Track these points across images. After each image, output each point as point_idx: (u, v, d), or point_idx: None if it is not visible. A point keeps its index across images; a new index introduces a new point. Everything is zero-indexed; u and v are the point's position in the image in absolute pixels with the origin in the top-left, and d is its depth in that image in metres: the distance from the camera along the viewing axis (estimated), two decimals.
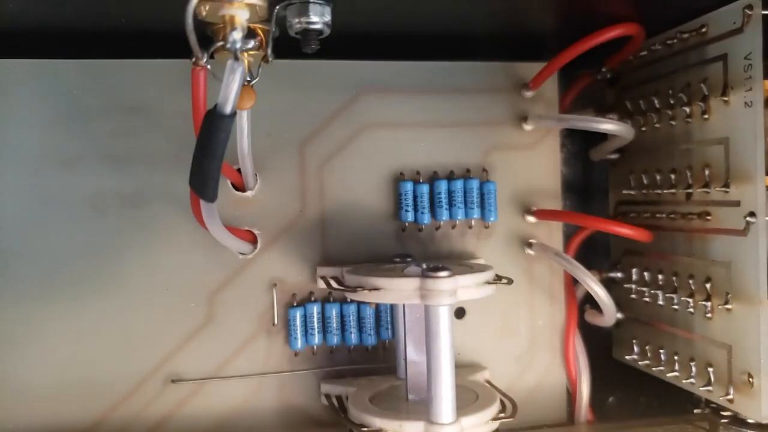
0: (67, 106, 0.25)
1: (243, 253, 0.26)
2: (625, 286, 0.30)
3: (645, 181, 0.28)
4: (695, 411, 0.27)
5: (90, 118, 0.25)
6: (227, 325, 0.27)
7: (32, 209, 0.25)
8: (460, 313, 0.28)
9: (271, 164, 0.27)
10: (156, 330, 0.26)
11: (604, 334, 0.31)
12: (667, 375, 0.27)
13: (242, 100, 0.22)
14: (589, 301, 0.29)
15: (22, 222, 0.25)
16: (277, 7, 0.21)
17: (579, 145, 0.32)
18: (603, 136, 0.29)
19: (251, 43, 0.21)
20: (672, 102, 0.26)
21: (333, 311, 0.27)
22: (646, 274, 0.28)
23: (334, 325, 0.27)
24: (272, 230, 0.27)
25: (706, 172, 0.24)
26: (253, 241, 0.27)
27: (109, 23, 0.24)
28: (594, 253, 0.31)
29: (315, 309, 0.26)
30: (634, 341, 0.29)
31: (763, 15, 0.22)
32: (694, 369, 0.25)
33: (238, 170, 0.26)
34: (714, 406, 0.26)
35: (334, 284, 0.24)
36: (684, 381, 0.26)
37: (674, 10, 0.25)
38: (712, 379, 0.24)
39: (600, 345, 0.31)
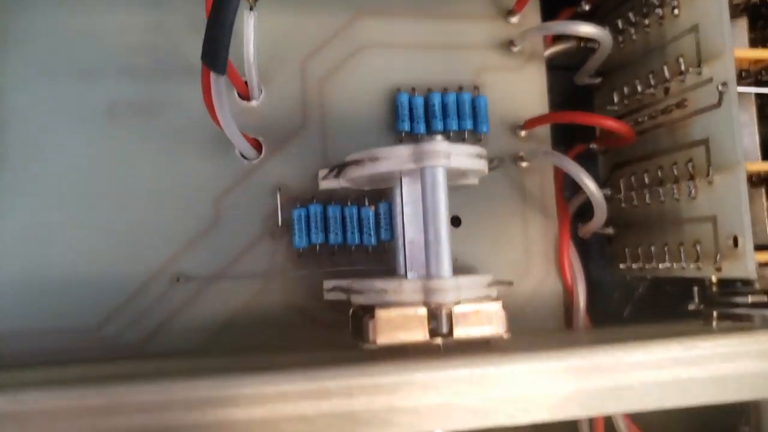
0: (85, 23, 0.27)
1: (248, 158, 0.28)
2: (615, 199, 0.31)
3: (626, 92, 0.29)
4: (689, 307, 0.28)
5: (108, 35, 0.28)
6: (233, 227, 0.28)
7: (51, 118, 0.27)
8: (455, 221, 0.30)
9: (275, 78, 0.29)
10: (164, 231, 0.27)
11: (599, 251, 0.33)
12: (660, 268, 0.28)
13: None
14: (581, 217, 0.31)
15: (42, 130, 0.27)
16: None
17: (564, 74, 0.33)
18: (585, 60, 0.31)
19: None
20: (645, 11, 0.28)
21: (334, 213, 0.28)
22: (633, 179, 0.29)
23: (336, 225, 0.28)
24: (276, 139, 0.28)
25: (681, 62, 0.25)
26: (258, 147, 0.28)
27: None
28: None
29: (317, 210, 0.28)
30: (626, 249, 0.30)
31: None
32: (683, 252, 0.26)
33: (245, 82, 0.28)
34: (707, 301, 0.27)
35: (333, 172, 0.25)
36: (675, 267, 0.27)
37: None
38: (700, 255, 0.25)
39: (595, 263, 0.33)
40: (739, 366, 0.24)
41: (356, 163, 0.24)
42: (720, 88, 0.23)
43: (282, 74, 0.29)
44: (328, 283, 0.27)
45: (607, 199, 0.31)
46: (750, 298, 0.26)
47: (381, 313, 0.22)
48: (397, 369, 0.22)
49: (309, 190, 0.28)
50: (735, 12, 0.26)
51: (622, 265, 0.30)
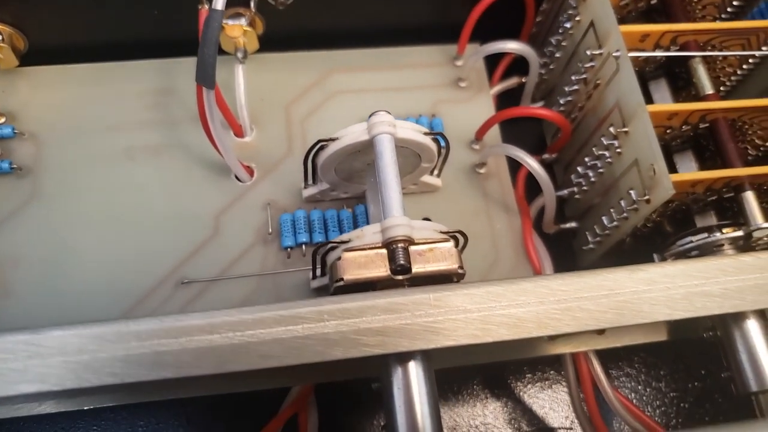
0: (114, 90, 0.35)
1: (242, 181, 0.33)
2: (572, 197, 0.34)
3: (561, 102, 0.34)
4: None
5: (130, 98, 0.35)
6: (230, 237, 0.32)
7: (80, 161, 0.33)
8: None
9: (264, 119, 0.35)
10: (171, 244, 0.31)
11: (566, 246, 0.35)
12: (612, 231, 0.30)
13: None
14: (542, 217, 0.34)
15: (72, 170, 0.32)
16: None
17: (510, 100, 0.38)
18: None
19: None
20: (561, 31, 0.34)
21: (317, 215, 0.32)
22: (579, 169, 0.33)
23: (318, 226, 0.32)
24: (266, 165, 0.34)
25: (588, 52, 0.31)
26: (251, 173, 0.33)
27: (147, 36, 0.35)
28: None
29: (302, 214, 0.32)
30: (587, 233, 0.33)
31: None
32: (623, 204, 0.29)
33: (240, 125, 0.34)
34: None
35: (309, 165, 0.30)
36: (620, 221, 0.29)
37: None
38: (634, 197, 0.28)
39: (565, 259, 0.35)
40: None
41: (322, 148, 0.29)
42: (615, 54, 0.28)
43: (270, 116, 0.35)
44: (311, 273, 0.30)
45: (566, 198, 0.35)
46: (692, 237, 0.28)
47: (347, 255, 0.25)
48: (362, 296, 0.24)
49: (296, 204, 0.33)
50: (630, 18, 0.33)
51: (584, 247, 0.33)
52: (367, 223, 0.32)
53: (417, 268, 0.25)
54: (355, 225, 0.32)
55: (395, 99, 0.36)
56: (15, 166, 0.32)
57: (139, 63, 0.35)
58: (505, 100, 0.38)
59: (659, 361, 0.37)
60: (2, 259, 0.30)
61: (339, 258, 0.26)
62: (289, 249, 0.31)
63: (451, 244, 0.26)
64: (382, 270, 0.25)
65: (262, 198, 0.33)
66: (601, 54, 0.30)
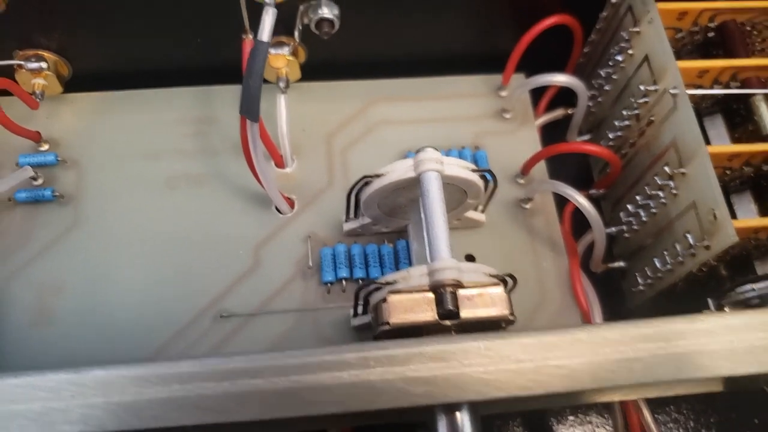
0: (155, 117, 0.34)
1: (282, 213, 0.32)
2: (620, 235, 0.33)
3: (610, 136, 0.33)
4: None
5: (171, 126, 0.34)
6: (269, 270, 0.31)
7: (121, 189, 0.33)
8: (470, 259, 0.32)
9: (305, 150, 0.34)
10: (210, 275, 0.31)
11: (614, 286, 0.34)
12: (665, 273, 0.29)
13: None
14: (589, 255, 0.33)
15: (113, 198, 0.32)
16: (300, 6, 0.31)
17: (555, 131, 0.37)
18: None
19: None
20: (611, 63, 0.33)
21: (358, 250, 0.31)
22: (629, 207, 0.32)
23: (359, 261, 0.31)
24: (307, 197, 0.33)
25: (641, 87, 0.30)
26: (291, 204, 0.33)
27: (189, 63, 0.35)
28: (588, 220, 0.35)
29: (342, 248, 0.31)
30: (636, 275, 0.32)
31: None
32: (678, 247, 0.28)
33: (281, 155, 0.33)
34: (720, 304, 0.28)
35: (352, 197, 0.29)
36: (676, 266, 0.28)
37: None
38: (692, 242, 0.27)
39: (613, 299, 0.34)
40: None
41: (367, 183, 0.28)
42: (672, 91, 0.27)
43: (311, 147, 0.34)
44: (352, 311, 0.29)
45: (614, 236, 0.34)
46: (754, 285, 0.27)
47: (393, 297, 0.25)
48: (409, 343, 0.24)
49: (336, 238, 0.32)
50: (685, 52, 0.32)
51: (634, 289, 0.32)
52: (409, 259, 0.31)
53: (465, 314, 0.24)
54: (396, 261, 0.31)
55: (438, 130, 0.35)
56: (57, 193, 0.32)
57: (180, 90, 0.35)
58: (550, 130, 0.37)
59: (709, 408, 0.35)
60: (45, 286, 0.30)
61: (384, 300, 0.25)
62: (329, 284, 0.31)
63: (501, 288, 0.25)
64: (429, 314, 0.24)
65: (302, 230, 0.32)
66: (656, 90, 0.29)
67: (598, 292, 0.32)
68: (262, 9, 0.28)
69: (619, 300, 0.34)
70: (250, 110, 0.28)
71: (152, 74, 0.35)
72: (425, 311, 0.24)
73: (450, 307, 0.24)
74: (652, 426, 0.29)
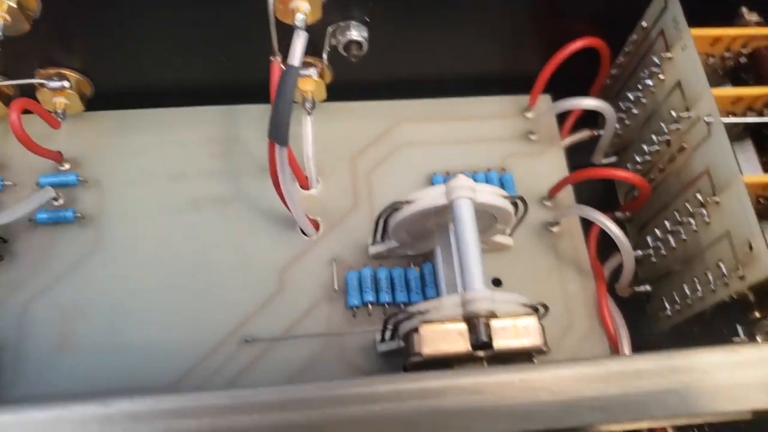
0: (178, 137, 0.34)
1: (308, 235, 0.32)
2: (646, 258, 0.33)
3: (638, 159, 0.33)
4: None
5: (194, 145, 0.34)
6: (294, 293, 0.31)
7: (144, 211, 0.32)
8: (497, 283, 0.32)
9: (329, 171, 0.34)
10: (235, 299, 0.31)
11: (640, 309, 0.34)
12: (695, 301, 0.29)
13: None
14: (616, 278, 0.33)
15: (135, 220, 0.32)
16: (329, 28, 0.31)
17: (580, 152, 0.37)
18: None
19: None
20: (640, 86, 0.32)
21: (384, 274, 0.31)
22: (657, 231, 0.31)
23: (385, 285, 0.31)
24: (331, 219, 0.33)
25: (672, 113, 0.29)
26: (316, 227, 0.32)
27: (213, 82, 0.35)
28: (613, 243, 0.35)
29: (368, 272, 0.31)
30: (663, 299, 0.31)
31: None
32: (710, 276, 0.27)
33: (306, 177, 0.33)
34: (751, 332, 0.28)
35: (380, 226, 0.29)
36: (707, 294, 0.28)
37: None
38: (725, 271, 0.26)
39: (640, 324, 0.33)
40: None
41: (396, 210, 0.28)
42: (706, 119, 0.27)
43: (336, 168, 0.34)
44: (379, 336, 0.29)
45: (640, 260, 0.33)
46: None
47: (424, 328, 0.24)
48: (443, 374, 0.23)
49: (361, 261, 0.32)
50: (716, 77, 0.31)
51: (661, 314, 0.31)
52: (436, 284, 0.31)
53: (499, 344, 0.24)
54: (423, 285, 0.31)
55: (464, 151, 0.35)
56: (79, 214, 0.31)
57: (204, 109, 0.35)
58: (575, 150, 0.37)
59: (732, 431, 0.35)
60: (66, 309, 0.30)
61: (416, 330, 0.25)
62: (354, 308, 0.30)
63: (534, 319, 0.25)
64: (461, 345, 0.24)
65: (327, 253, 0.32)
66: (689, 117, 0.28)
67: (624, 314, 0.32)
68: (289, 29, 0.28)
69: (645, 323, 0.34)
70: (279, 135, 0.28)
71: (175, 93, 0.35)
72: (458, 342, 0.24)
73: (484, 338, 0.24)
74: None
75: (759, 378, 0.24)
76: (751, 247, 0.25)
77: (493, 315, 0.24)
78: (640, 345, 0.33)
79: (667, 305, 0.31)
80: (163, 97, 0.35)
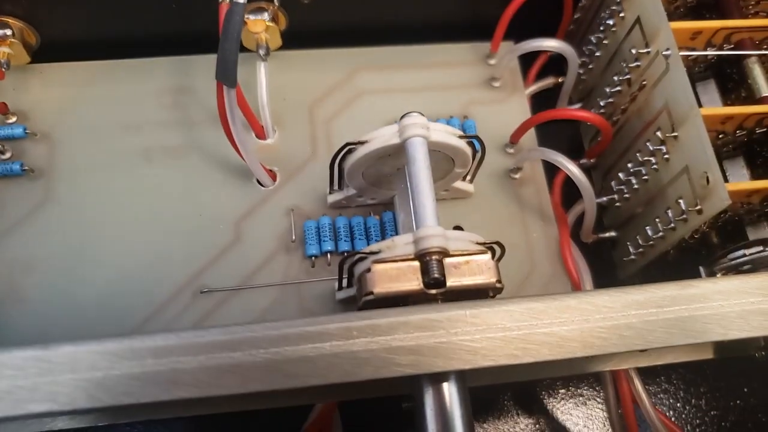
0: (130, 88, 0.33)
1: (264, 186, 0.31)
2: (612, 204, 0.32)
3: (601, 103, 0.32)
4: None
5: (146, 96, 0.33)
6: (251, 244, 0.30)
7: (96, 162, 0.31)
8: (458, 230, 0.31)
9: (287, 120, 0.33)
10: (190, 251, 0.30)
11: (606, 257, 0.33)
12: (656, 242, 0.28)
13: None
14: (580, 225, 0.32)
15: (88, 171, 0.31)
16: None
17: (546, 101, 0.36)
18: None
19: None
20: (602, 27, 0.32)
21: (343, 223, 0.30)
22: (621, 175, 0.31)
23: (344, 234, 0.30)
24: (289, 169, 0.32)
25: (633, 51, 0.29)
26: (273, 177, 0.32)
27: (164, 31, 0.34)
28: (578, 190, 0.34)
29: (327, 221, 0.30)
30: (628, 244, 0.31)
31: None
32: (671, 214, 0.27)
33: (262, 126, 0.32)
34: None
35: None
36: (668, 233, 0.27)
37: None
38: (684, 207, 0.26)
39: (602, 268, 0.33)
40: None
41: (350, 151, 0.27)
42: (664, 53, 0.26)
43: (294, 118, 0.33)
44: (337, 284, 0.29)
45: (605, 206, 0.33)
46: (745, 251, 0.26)
47: (377, 267, 0.24)
48: (393, 312, 0.23)
49: (320, 211, 0.31)
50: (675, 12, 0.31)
51: (625, 258, 0.31)
52: (396, 232, 0.30)
53: (452, 282, 0.24)
54: (383, 233, 0.30)
55: (425, 99, 0.34)
56: (27, 167, 0.30)
57: (156, 60, 0.34)
58: (541, 100, 0.36)
59: (699, 378, 0.35)
60: (15, 264, 0.29)
61: (368, 270, 0.24)
62: (313, 258, 0.30)
63: (488, 256, 0.24)
64: (414, 283, 0.24)
65: (285, 203, 0.31)
66: (648, 53, 0.28)
67: (588, 263, 0.32)
68: None
69: (611, 270, 0.33)
70: (226, 75, 0.27)
71: (127, 43, 0.33)
72: (410, 280, 0.24)
73: (436, 275, 0.23)
74: (644, 396, 0.29)
75: (715, 310, 0.23)
76: (708, 180, 0.24)
77: (446, 253, 0.24)
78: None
79: (631, 249, 0.31)
80: (113, 48, 0.33)
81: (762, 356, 0.27)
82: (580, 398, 0.34)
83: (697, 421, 0.34)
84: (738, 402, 0.34)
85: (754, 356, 0.28)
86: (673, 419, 0.34)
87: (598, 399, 0.34)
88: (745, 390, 0.34)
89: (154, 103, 0.33)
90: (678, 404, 0.34)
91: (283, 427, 0.29)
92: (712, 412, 0.34)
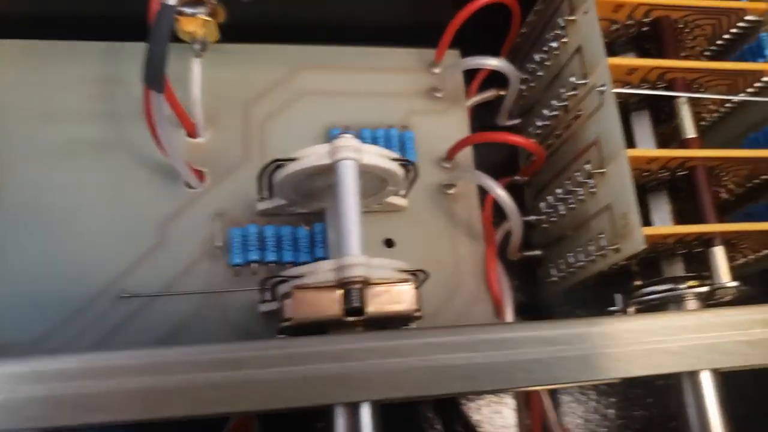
0: (52, 74, 0.31)
1: (192, 187, 0.30)
2: (539, 224, 0.33)
3: (538, 124, 0.32)
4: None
5: (70, 84, 0.31)
6: (175, 248, 0.29)
7: (10, 152, 0.30)
8: (389, 243, 0.31)
9: (220, 119, 0.32)
10: (110, 253, 0.29)
11: (533, 274, 0.34)
12: (577, 269, 0.29)
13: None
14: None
15: (4, 163, 0.29)
16: None
17: (487, 112, 0.36)
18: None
19: None
20: (546, 49, 0.32)
21: (270, 232, 0.30)
22: (550, 198, 0.31)
23: (272, 244, 0.30)
24: (219, 171, 0.31)
25: (572, 79, 0.29)
26: (201, 178, 0.31)
27: (92, 14, 0.32)
28: None
29: (254, 229, 0.30)
30: (551, 266, 0.31)
31: None
32: (591, 248, 0.28)
33: (194, 124, 0.31)
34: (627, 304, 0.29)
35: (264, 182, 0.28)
36: (587, 264, 0.28)
37: None
38: (603, 243, 0.27)
39: (528, 285, 0.34)
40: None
41: (279, 167, 0.26)
42: (599, 89, 0.27)
43: (227, 116, 0.32)
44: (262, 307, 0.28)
45: (534, 225, 0.33)
46: (659, 287, 0.27)
47: (297, 293, 0.24)
48: (310, 340, 0.23)
49: (249, 217, 0.30)
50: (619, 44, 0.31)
51: (547, 280, 0.32)
52: (325, 246, 0.30)
53: (371, 310, 0.24)
54: (313, 245, 0.30)
55: (365, 104, 0.33)
56: None
57: (82, 44, 0.32)
58: (482, 111, 0.36)
59: (610, 388, 0.36)
60: None
61: (288, 295, 0.24)
62: (237, 267, 0.29)
63: (410, 285, 0.24)
64: (333, 310, 0.23)
65: (212, 207, 0.30)
66: (585, 84, 0.28)
67: (515, 279, 0.33)
68: None
69: (534, 288, 0.34)
70: (154, 80, 0.25)
71: (50, 23, 0.31)
72: (330, 307, 0.24)
73: (356, 303, 0.23)
74: (549, 414, 0.30)
75: (622, 348, 0.24)
76: (626, 222, 0.25)
77: (367, 281, 0.24)
78: (531, 309, 0.33)
79: (553, 272, 0.31)
80: (34, 27, 0.31)
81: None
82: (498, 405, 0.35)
83: (603, 430, 0.36)
84: (642, 412, 0.36)
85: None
86: (582, 429, 0.36)
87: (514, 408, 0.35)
88: (650, 401, 0.36)
89: (79, 92, 0.31)
90: (589, 414, 0.36)
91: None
92: (618, 422, 0.36)
